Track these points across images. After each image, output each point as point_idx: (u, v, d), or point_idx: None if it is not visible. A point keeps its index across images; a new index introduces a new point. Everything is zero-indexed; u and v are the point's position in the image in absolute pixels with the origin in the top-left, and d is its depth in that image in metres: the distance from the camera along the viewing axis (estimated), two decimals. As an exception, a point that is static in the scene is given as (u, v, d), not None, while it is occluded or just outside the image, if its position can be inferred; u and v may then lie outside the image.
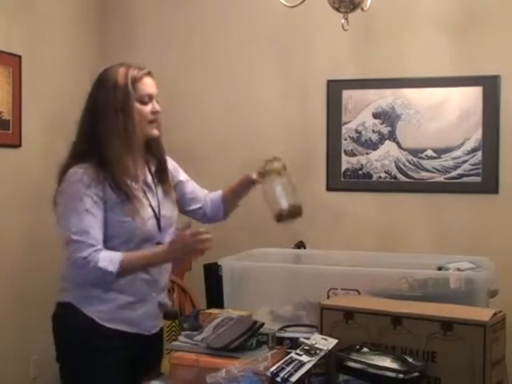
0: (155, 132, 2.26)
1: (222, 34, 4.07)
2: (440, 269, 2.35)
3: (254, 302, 2.32)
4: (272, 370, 1.74)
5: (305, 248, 3.70)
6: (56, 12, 3.85)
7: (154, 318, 2.26)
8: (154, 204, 2.26)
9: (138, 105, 2.20)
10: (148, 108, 2.22)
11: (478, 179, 3.67)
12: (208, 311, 2.22)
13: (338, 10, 2.65)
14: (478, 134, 3.66)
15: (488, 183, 3.66)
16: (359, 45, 3.82)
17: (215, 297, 3.02)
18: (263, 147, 4.00)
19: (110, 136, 2.17)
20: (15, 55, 3.52)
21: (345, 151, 3.89)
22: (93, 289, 2.18)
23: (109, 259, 2.11)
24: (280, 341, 2.02)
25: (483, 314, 1.81)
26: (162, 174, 2.34)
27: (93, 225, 2.12)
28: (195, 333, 2.03)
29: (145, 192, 2.26)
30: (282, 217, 2.24)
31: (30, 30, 3.64)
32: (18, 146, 3.56)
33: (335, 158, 3.90)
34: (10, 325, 3.45)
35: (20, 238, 3.57)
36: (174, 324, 2.12)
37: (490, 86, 3.63)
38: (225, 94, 4.08)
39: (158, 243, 2.24)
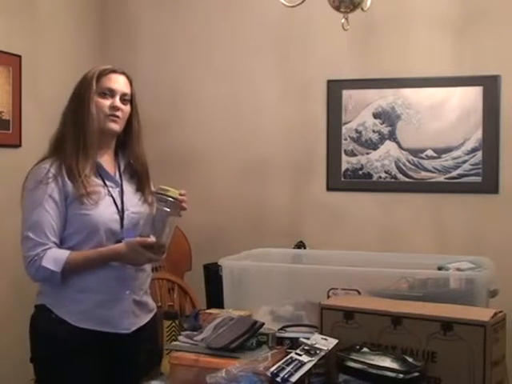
0: (112, 126, 2.23)
1: (222, 34, 4.06)
2: (440, 269, 2.35)
3: (254, 301, 2.32)
4: (272, 370, 1.74)
5: (305, 248, 3.70)
6: (56, 12, 3.84)
7: (131, 316, 2.23)
8: (118, 201, 2.22)
9: (97, 97, 2.21)
10: (107, 102, 2.22)
11: (478, 179, 3.67)
12: (208, 311, 2.22)
13: (338, 9, 2.65)
14: (478, 134, 3.66)
15: (488, 183, 3.65)
16: (359, 45, 3.81)
17: (215, 297, 3.02)
18: (263, 147, 4.00)
19: (66, 123, 2.22)
20: (15, 55, 3.51)
21: (345, 151, 3.88)
22: (64, 289, 2.16)
23: (53, 258, 2.10)
24: (280, 341, 2.02)
25: (483, 314, 1.81)
26: (132, 173, 2.31)
27: (46, 220, 2.13)
28: (195, 333, 2.04)
29: (110, 188, 2.23)
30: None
31: (30, 30, 3.63)
32: (18, 145, 3.55)
33: (335, 157, 3.90)
34: (10, 325, 3.45)
35: (20, 238, 3.56)
36: (173, 324, 2.12)
37: (490, 85, 3.63)
38: (225, 94, 4.07)
39: (119, 241, 2.18)
